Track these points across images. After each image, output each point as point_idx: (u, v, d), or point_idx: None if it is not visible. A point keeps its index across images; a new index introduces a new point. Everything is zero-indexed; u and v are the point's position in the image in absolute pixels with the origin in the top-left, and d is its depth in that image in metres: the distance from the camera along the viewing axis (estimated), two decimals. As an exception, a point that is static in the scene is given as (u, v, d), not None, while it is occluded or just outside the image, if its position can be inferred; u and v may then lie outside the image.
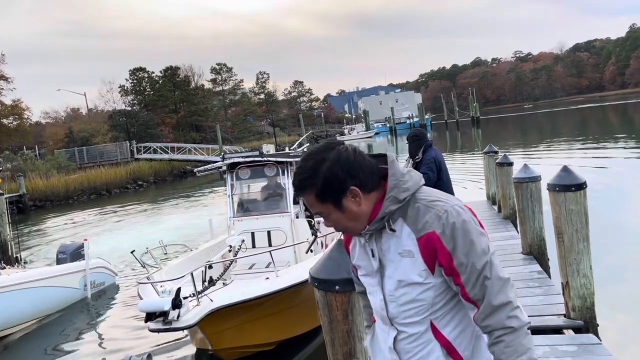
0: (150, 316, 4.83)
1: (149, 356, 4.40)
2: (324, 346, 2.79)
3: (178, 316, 4.80)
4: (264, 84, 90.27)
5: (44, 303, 9.13)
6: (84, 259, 10.18)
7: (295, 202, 8.45)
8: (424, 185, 1.74)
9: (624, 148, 23.98)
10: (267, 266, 6.16)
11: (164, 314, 4.77)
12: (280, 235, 7.81)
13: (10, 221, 14.01)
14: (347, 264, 2.78)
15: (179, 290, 4.86)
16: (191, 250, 8.53)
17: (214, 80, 79.56)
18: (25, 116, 52.38)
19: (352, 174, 1.65)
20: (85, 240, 10.51)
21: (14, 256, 13.20)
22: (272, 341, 6.14)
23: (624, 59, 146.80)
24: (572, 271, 4.69)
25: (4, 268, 9.70)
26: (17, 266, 10.43)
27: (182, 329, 4.85)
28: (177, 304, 4.76)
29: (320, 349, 6.21)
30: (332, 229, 8.03)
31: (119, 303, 9.80)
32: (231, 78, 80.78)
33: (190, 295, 5.12)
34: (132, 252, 6.77)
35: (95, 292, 10.36)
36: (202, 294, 5.23)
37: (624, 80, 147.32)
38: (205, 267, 6.23)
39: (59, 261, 10.32)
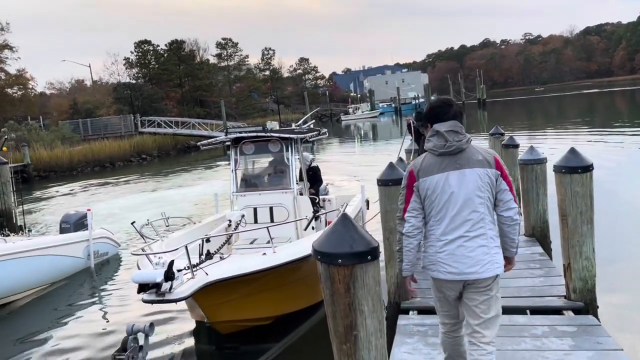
0: (143, 287, 4.87)
1: (151, 325, 4.44)
2: (322, 323, 2.80)
3: (171, 288, 4.82)
4: (269, 61, 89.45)
5: (48, 271, 9.21)
6: (87, 229, 10.23)
7: (301, 179, 8.43)
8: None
9: (633, 134, 23.81)
10: (269, 242, 6.18)
11: (157, 285, 4.79)
12: (282, 212, 7.82)
13: (14, 190, 14.07)
14: (350, 238, 2.77)
15: (171, 262, 4.86)
16: (194, 224, 8.55)
17: (219, 55, 78.86)
18: (30, 86, 52.46)
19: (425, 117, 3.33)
20: (89, 210, 10.53)
21: (18, 224, 13.31)
22: (269, 316, 6.17)
23: (634, 44, 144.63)
24: (575, 253, 4.70)
25: (9, 236, 9.77)
26: (22, 234, 10.49)
27: (175, 301, 4.87)
28: (169, 276, 4.76)
29: (318, 325, 6.27)
30: (335, 206, 8.03)
31: (122, 273, 9.87)
32: (236, 53, 80.00)
33: (185, 268, 5.14)
34: (132, 224, 6.77)
35: (99, 262, 10.44)
36: (198, 268, 5.23)
37: (633, 65, 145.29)
38: (203, 240, 6.25)
39: (62, 230, 10.37)
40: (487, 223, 3.03)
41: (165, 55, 63.84)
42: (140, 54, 63.23)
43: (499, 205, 3.08)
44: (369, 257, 2.54)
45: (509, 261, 3.27)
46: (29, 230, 10.85)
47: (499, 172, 3.06)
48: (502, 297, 4.69)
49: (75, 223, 10.35)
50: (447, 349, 3.39)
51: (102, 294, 8.93)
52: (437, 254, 3.04)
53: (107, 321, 7.58)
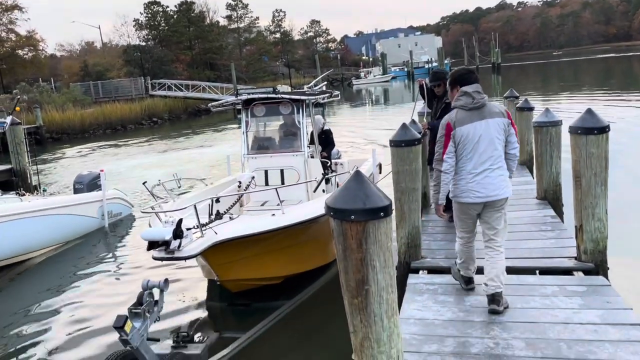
0: (153, 245, 4.94)
1: (166, 281, 4.52)
2: (331, 283, 2.83)
3: (179, 246, 4.88)
4: (280, 23, 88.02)
5: (63, 230, 9.39)
6: (100, 189, 10.35)
7: (312, 142, 8.40)
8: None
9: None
10: (279, 204, 6.22)
11: (166, 243, 4.85)
12: (293, 174, 7.83)
13: (28, 150, 14.22)
14: (363, 194, 2.79)
15: (180, 221, 4.91)
16: (206, 185, 8.62)
17: (229, 17, 77.68)
18: (40, 48, 52.08)
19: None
20: (102, 171, 10.63)
21: (33, 184, 13.48)
22: (278, 276, 6.26)
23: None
24: (587, 215, 4.68)
25: (24, 195, 9.91)
26: (37, 194, 10.64)
27: (184, 258, 4.94)
28: (178, 234, 4.82)
29: (328, 285, 6.37)
30: (347, 169, 8.10)
31: (135, 233, 10.03)
32: (247, 15, 78.77)
33: (194, 227, 5.19)
34: (143, 184, 6.84)
35: (113, 222, 10.60)
36: (207, 227, 5.29)
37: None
38: (212, 200, 6.30)
39: (75, 191, 10.51)
40: (503, 158, 4.12)
41: (175, 16, 63.05)
42: (149, 15, 62.47)
43: (507, 145, 4.15)
44: (381, 213, 2.55)
45: None
46: (44, 190, 10.97)
47: (509, 121, 4.14)
48: (512, 257, 4.77)
49: (89, 183, 10.48)
50: (463, 255, 4.40)
51: (117, 252, 9.11)
52: (468, 184, 4.08)
53: (122, 278, 7.76)
